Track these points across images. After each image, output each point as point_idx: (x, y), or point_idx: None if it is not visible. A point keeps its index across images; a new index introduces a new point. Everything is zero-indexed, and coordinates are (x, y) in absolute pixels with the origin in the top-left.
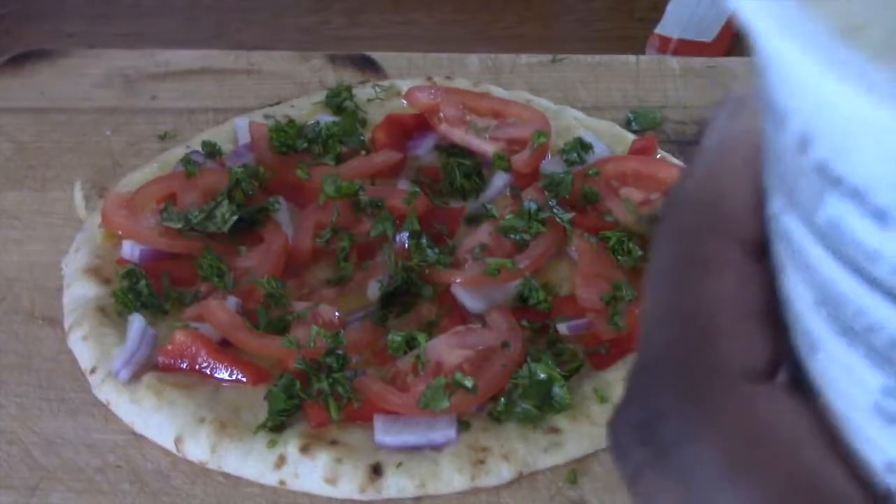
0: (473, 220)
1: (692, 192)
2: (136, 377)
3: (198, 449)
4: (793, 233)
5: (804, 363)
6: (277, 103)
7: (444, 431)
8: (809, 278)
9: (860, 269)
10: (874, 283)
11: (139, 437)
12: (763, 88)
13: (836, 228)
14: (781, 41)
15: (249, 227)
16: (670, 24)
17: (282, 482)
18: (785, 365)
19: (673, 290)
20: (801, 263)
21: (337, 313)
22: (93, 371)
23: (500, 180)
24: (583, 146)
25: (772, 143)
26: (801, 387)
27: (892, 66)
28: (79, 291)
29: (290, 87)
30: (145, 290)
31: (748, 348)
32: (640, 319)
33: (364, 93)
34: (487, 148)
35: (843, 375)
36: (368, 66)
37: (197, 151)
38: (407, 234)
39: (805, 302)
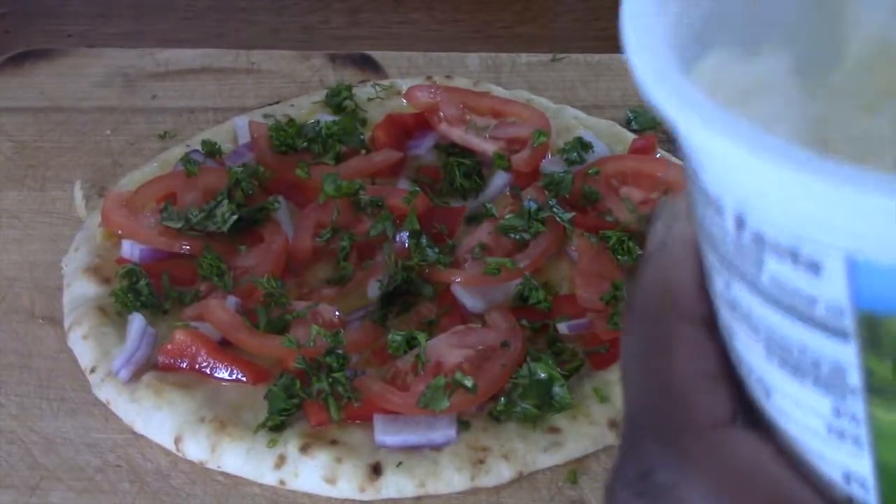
0: (473, 220)
1: (646, 285)
2: (136, 377)
3: (197, 448)
4: (741, 300)
5: (761, 406)
6: (277, 102)
7: (444, 431)
8: (758, 334)
9: (801, 314)
10: (814, 322)
11: (139, 437)
12: (696, 186)
13: (777, 285)
14: (711, 138)
15: (249, 226)
16: None
17: (282, 482)
18: (742, 411)
19: (643, 367)
20: (750, 324)
21: (337, 313)
22: (93, 370)
23: (500, 180)
24: (583, 145)
25: (711, 231)
26: (760, 426)
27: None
28: (79, 291)
29: (290, 86)
30: (145, 290)
31: (713, 403)
32: (621, 390)
33: (364, 92)
34: (487, 147)
35: (796, 408)
36: (368, 66)
37: (197, 151)
38: (407, 234)
39: (757, 355)
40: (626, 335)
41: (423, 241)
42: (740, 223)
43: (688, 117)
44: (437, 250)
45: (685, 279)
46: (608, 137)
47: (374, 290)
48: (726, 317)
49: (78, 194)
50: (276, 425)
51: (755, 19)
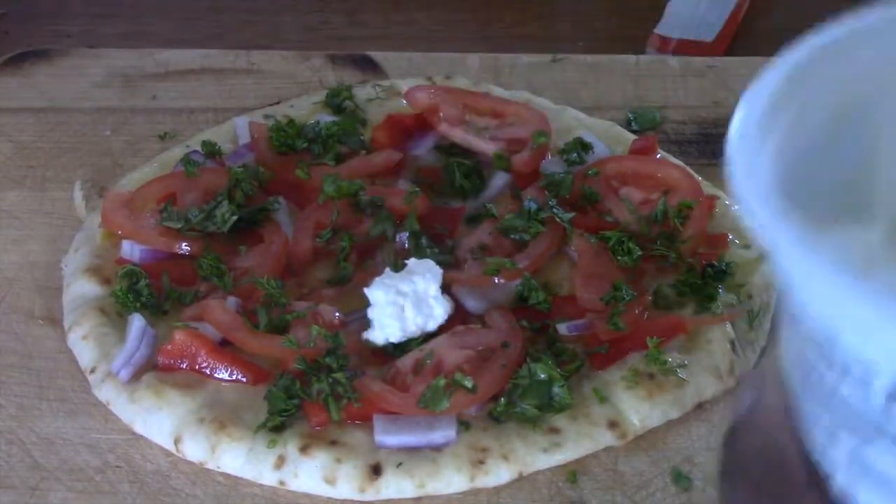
0: (473, 220)
1: (749, 453)
2: (135, 377)
3: (197, 449)
4: (875, 461)
5: None
6: (277, 103)
7: (444, 431)
8: (892, 492)
9: None
10: None
11: (139, 437)
12: (819, 353)
13: None
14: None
15: (249, 227)
16: (670, 24)
17: (281, 482)
18: None
19: None
20: (882, 482)
21: (337, 314)
22: (92, 371)
23: (500, 180)
24: (583, 146)
25: (841, 397)
26: None
27: None
28: (78, 291)
29: (290, 86)
30: (145, 290)
31: None
32: None
33: (364, 93)
34: (487, 148)
35: None
36: (368, 66)
37: (197, 151)
38: (407, 234)
39: None
40: (733, 495)
41: (423, 241)
42: (894, 396)
43: (858, 289)
44: (437, 251)
45: (791, 446)
46: (608, 138)
47: None
48: (850, 478)
49: (78, 194)
50: (276, 426)
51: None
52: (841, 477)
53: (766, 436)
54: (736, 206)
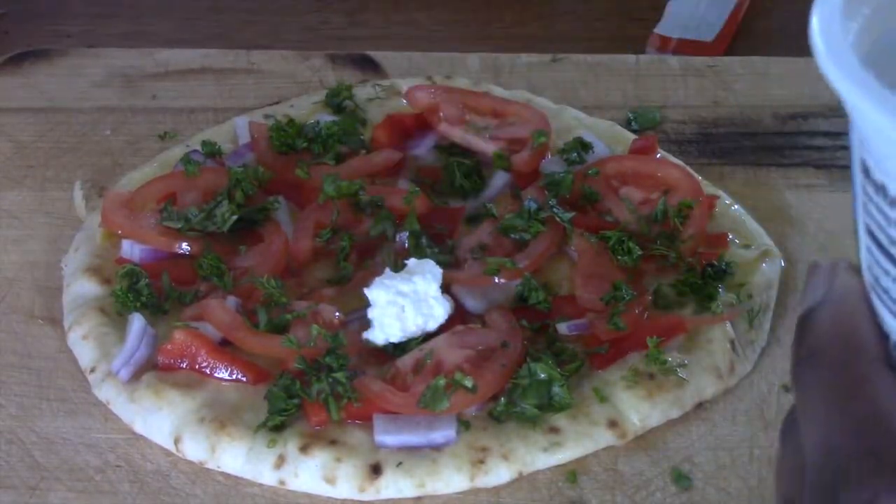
0: (473, 220)
1: (824, 335)
2: (135, 377)
3: (197, 449)
4: None
5: None
6: (277, 103)
7: (443, 431)
8: None
9: None
10: None
11: (139, 437)
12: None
13: None
14: None
15: (249, 226)
16: (670, 24)
17: (281, 482)
18: None
19: (842, 411)
20: None
21: (337, 314)
22: (92, 370)
23: (500, 180)
24: (583, 146)
25: None
26: None
27: None
28: (78, 291)
29: (290, 86)
30: (145, 290)
31: None
32: (804, 436)
33: (364, 92)
34: (487, 147)
35: None
36: (368, 66)
37: (197, 151)
38: (407, 234)
39: None
40: (807, 385)
41: (423, 241)
42: None
43: None
44: (437, 251)
45: (866, 327)
46: (608, 138)
47: None
48: None
49: (78, 194)
50: (276, 425)
51: None
52: None
53: (839, 322)
54: (821, 67)
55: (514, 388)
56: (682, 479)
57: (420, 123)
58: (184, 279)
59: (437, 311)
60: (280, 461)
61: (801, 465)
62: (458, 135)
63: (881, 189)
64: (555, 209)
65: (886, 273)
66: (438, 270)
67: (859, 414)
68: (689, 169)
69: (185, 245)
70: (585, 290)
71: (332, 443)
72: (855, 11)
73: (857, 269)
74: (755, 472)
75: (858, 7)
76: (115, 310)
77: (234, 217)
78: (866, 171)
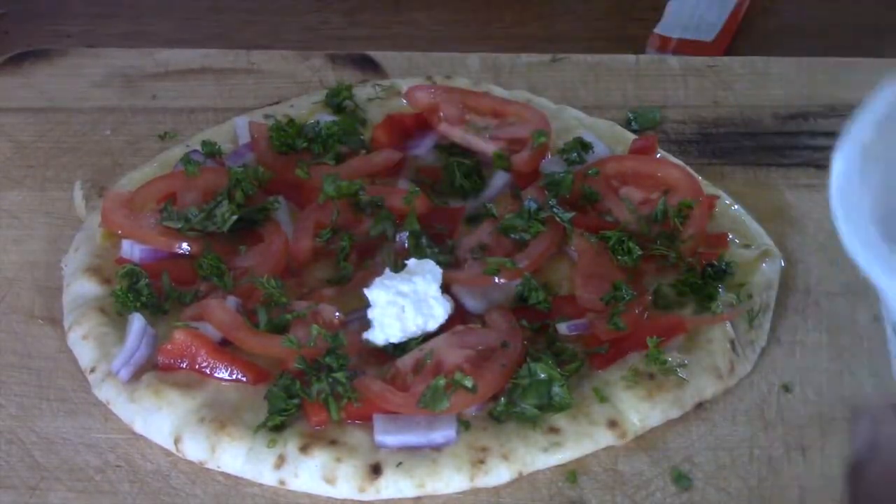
0: (473, 220)
1: (878, 485)
2: (135, 377)
3: (197, 448)
4: None
5: None
6: (277, 103)
7: (444, 431)
8: None
9: None
10: None
11: (139, 437)
12: None
13: None
14: None
15: (249, 226)
16: (670, 24)
17: (281, 482)
18: None
19: None
20: None
21: (337, 314)
22: (92, 370)
23: (500, 180)
24: (583, 146)
25: None
26: None
27: None
28: (78, 291)
29: (290, 86)
30: (145, 290)
31: None
32: None
33: (364, 92)
34: (487, 147)
35: None
36: (368, 66)
37: (197, 151)
38: (407, 234)
39: None
40: None
41: (423, 241)
42: None
43: None
44: (437, 251)
45: None
46: (608, 138)
47: None
48: None
49: (78, 194)
50: (276, 425)
51: None
52: None
53: (891, 469)
54: (845, 250)
55: (514, 388)
56: (682, 479)
57: (420, 123)
58: (184, 279)
59: (437, 311)
60: (280, 461)
61: None
62: (458, 135)
63: None
64: (555, 209)
65: None
66: (438, 270)
67: None
68: (689, 169)
69: (185, 245)
70: (585, 290)
71: (332, 443)
72: (871, 169)
73: None
74: (755, 472)
75: (874, 165)
76: (115, 310)
77: (234, 217)
78: None
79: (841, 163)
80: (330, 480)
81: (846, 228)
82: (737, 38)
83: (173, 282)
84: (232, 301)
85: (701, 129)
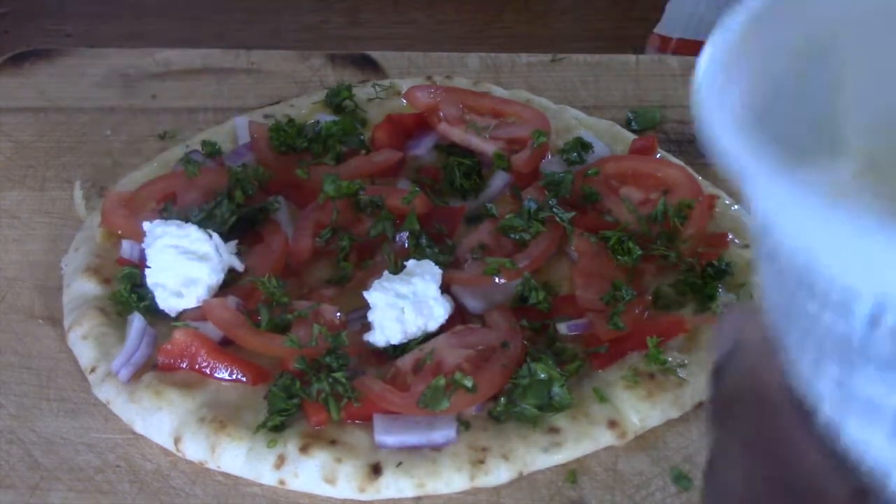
0: (473, 220)
1: (736, 388)
2: (135, 377)
3: (197, 449)
4: (861, 388)
5: (880, 487)
6: (277, 103)
7: (444, 431)
8: (885, 420)
9: None
10: None
11: (139, 437)
12: (793, 281)
13: None
14: (866, 234)
15: (249, 226)
16: (670, 24)
17: (281, 482)
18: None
19: (758, 461)
20: (875, 411)
21: (338, 314)
22: (92, 370)
23: (500, 180)
24: (583, 146)
25: (833, 329)
26: None
27: None
28: (78, 290)
29: (289, 86)
30: (147, 292)
31: (840, 486)
32: (714, 484)
33: (364, 92)
34: (487, 147)
35: None
36: (368, 66)
37: (197, 151)
38: (407, 234)
39: (879, 440)
40: (724, 436)
41: (423, 241)
42: (875, 320)
43: (832, 212)
44: (436, 250)
45: (776, 377)
46: (608, 138)
47: None
48: (836, 408)
49: (78, 194)
50: (276, 425)
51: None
52: (827, 408)
53: (750, 374)
54: (707, 143)
55: (514, 388)
56: (682, 479)
57: (420, 123)
58: None
59: (438, 311)
60: (280, 461)
61: None
62: (458, 135)
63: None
64: (555, 209)
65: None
66: (438, 271)
67: (779, 466)
68: (689, 169)
69: None
70: (585, 290)
71: (332, 443)
72: (737, 71)
73: (763, 313)
74: None
75: (739, 67)
76: (115, 310)
77: (234, 217)
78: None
79: (711, 50)
80: (330, 480)
81: (713, 115)
82: None
83: None
84: (232, 301)
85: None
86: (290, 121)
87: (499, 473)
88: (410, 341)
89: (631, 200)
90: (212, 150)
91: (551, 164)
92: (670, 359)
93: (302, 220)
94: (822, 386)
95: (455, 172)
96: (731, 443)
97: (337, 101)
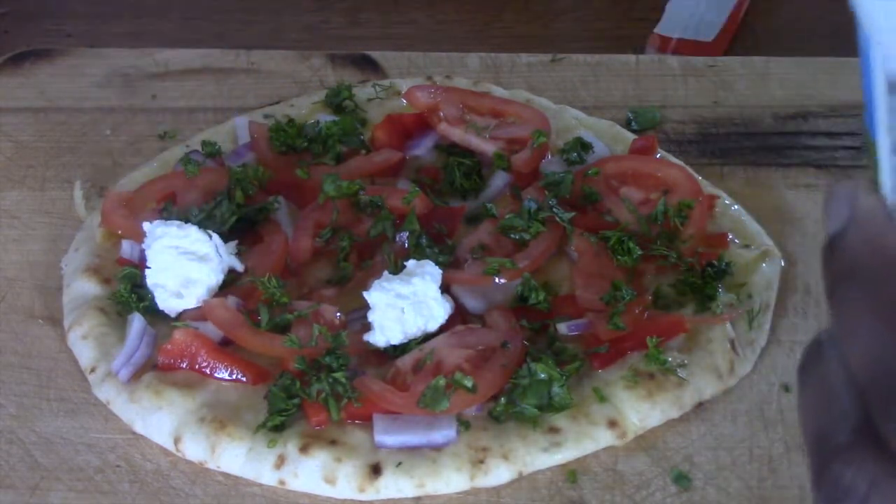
0: (473, 220)
1: (860, 256)
2: (135, 377)
3: (197, 448)
4: None
5: None
6: (277, 103)
7: (444, 431)
8: None
9: None
10: None
11: (139, 437)
12: None
13: None
14: None
15: (249, 226)
16: (670, 24)
17: (281, 482)
18: None
19: (891, 327)
20: None
21: (338, 314)
22: (92, 370)
23: (500, 180)
24: (583, 146)
25: None
26: None
27: None
28: (78, 290)
29: (290, 86)
30: (147, 292)
31: None
32: (848, 347)
33: (364, 92)
34: (487, 147)
35: None
36: (368, 66)
37: (196, 151)
38: (407, 234)
39: None
40: (849, 305)
41: (423, 241)
42: None
43: None
44: (436, 250)
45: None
46: (608, 138)
47: None
48: None
49: (78, 194)
50: (276, 425)
51: None
52: None
53: (872, 241)
54: None
55: (514, 388)
56: (682, 479)
57: (420, 123)
58: None
59: (438, 312)
60: (280, 461)
61: (832, 393)
62: (458, 135)
63: None
64: (555, 209)
65: None
66: (438, 271)
67: None
68: (689, 169)
69: None
70: (585, 290)
71: (332, 443)
72: None
73: (875, 188)
74: (755, 472)
75: None
76: (115, 310)
77: (234, 217)
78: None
79: None
80: (330, 480)
81: None
82: (737, 38)
83: None
84: (232, 301)
85: (701, 129)
86: (290, 121)
87: (499, 473)
88: (410, 341)
89: (631, 200)
90: (212, 150)
91: (551, 164)
92: (670, 359)
93: (302, 220)
94: None
95: (455, 172)
96: (855, 313)
97: (337, 101)
